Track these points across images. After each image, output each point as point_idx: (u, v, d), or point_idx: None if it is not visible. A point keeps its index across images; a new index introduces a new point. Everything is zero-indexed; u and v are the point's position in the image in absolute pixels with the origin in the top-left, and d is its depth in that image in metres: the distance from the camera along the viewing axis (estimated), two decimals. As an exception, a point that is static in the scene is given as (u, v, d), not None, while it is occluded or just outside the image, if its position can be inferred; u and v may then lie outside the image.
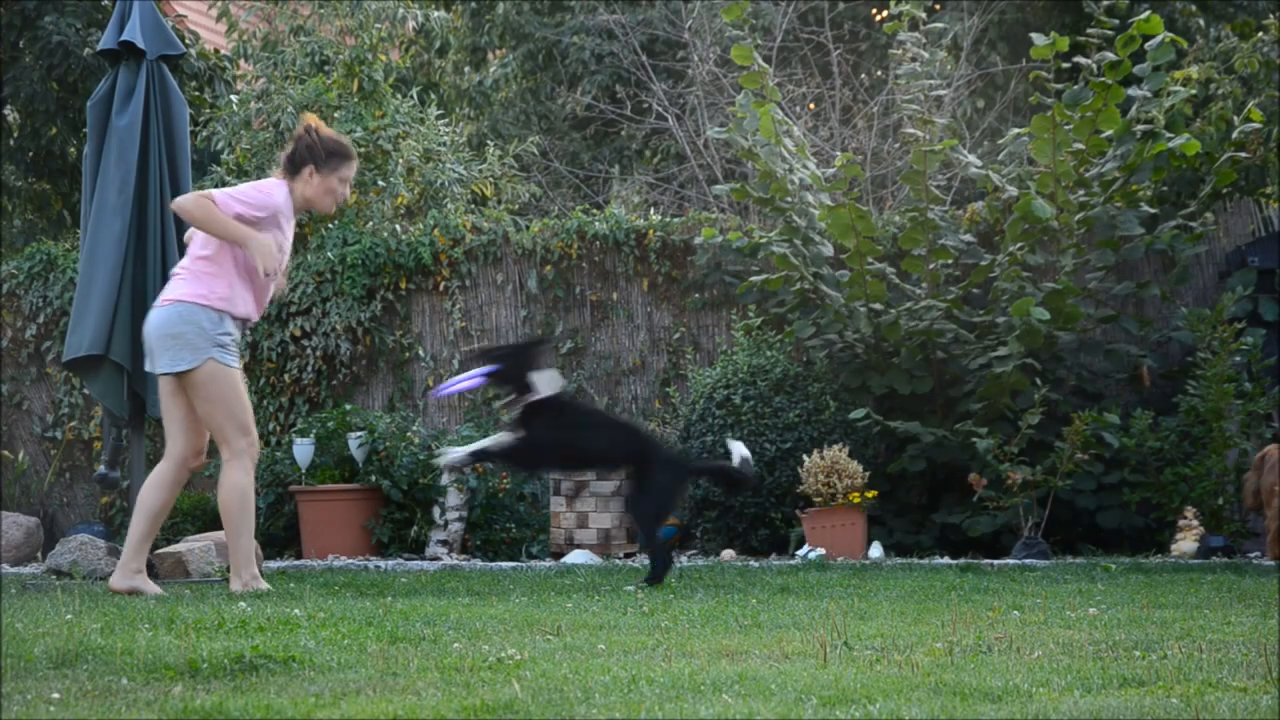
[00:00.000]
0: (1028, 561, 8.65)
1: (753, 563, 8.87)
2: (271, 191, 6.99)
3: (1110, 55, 9.32)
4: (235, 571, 6.96)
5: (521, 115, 15.86)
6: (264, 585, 6.92)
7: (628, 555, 9.73)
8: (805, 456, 9.32)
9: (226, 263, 6.92)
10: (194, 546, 8.13)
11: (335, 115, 11.64)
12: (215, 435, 6.98)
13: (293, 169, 7.06)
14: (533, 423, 7.07)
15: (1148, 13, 9.39)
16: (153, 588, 6.93)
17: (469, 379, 7.26)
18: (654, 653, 4.60)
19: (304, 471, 10.09)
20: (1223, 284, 9.96)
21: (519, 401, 7.06)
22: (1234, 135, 9.71)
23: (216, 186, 12.20)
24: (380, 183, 11.45)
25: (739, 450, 7.36)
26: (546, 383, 7.08)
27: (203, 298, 6.90)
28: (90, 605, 6.10)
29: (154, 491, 7.00)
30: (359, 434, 10.05)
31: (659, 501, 7.20)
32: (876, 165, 12.63)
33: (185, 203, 6.93)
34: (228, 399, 6.91)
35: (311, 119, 7.16)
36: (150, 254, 8.09)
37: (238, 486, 6.91)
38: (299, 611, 5.67)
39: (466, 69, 16.60)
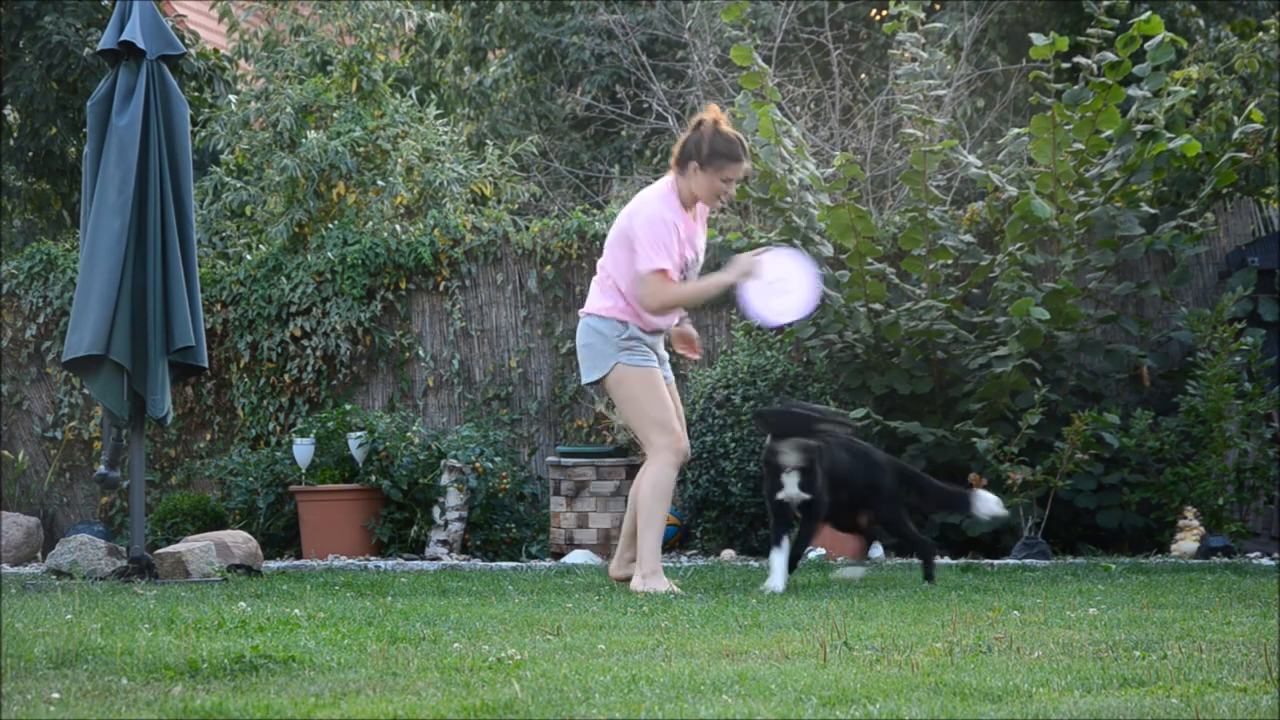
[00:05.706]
0: (1028, 561, 8.66)
1: (753, 563, 8.87)
2: (658, 216, 7.00)
3: (1110, 55, 9.31)
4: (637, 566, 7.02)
5: (521, 115, 15.84)
6: (661, 586, 6.88)
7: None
8: (805, 456, 9.31)
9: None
10: (194, 546, 8.12)
11: (334, 115, 11.64)
12: (638, 435, 7.15)
13: (680, 162, 7.05)
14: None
15: (1148, 13, 9.38)
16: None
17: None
18: (654, 653, 4.60)
19: (304, 471, 10.09)
20: (1223, 284, 9.96)
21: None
22: (1234, 136, 9.70)
23: (216, 187, 12.25)
24: (380, 182, 11.44)
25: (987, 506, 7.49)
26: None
27: (606, 310, 7.10)
28: (90, 605, 6.10)
29: None
30: (359, 434, 10.05)
31: (899, 514, 7.46)
32: (876, 165, 12.61)
33: (647, 303, 7.05)
34: (637, 399, 7.07)
35: (713, 113, 7.08)
36: (150, 254, 8.09)
37: (649, 479, 6.97)
38: (299, 611, 5.68)
39: (466, 69, 16.58)
